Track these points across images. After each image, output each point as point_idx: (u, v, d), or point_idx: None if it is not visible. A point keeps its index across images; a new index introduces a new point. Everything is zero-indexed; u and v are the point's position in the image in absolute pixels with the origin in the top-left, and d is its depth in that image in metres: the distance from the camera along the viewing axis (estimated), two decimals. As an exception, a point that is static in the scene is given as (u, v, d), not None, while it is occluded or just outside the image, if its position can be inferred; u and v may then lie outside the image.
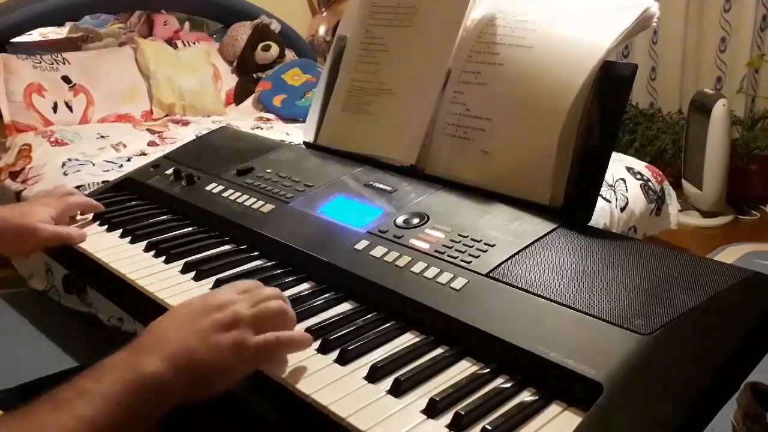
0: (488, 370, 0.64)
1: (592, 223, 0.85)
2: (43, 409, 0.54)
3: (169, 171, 1.15)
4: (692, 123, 3.15)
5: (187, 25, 3.62)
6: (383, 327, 0.72)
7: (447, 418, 0.58)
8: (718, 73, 3.49)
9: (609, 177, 2.28)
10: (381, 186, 0.96)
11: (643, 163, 2.58)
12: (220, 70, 3.35)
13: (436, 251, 0.79)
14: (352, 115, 1.11)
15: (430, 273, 0.76)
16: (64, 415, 0.54)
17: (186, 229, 1.00)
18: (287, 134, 2.69)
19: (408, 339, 0.71)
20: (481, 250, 0.78)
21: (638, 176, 2.43)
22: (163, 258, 0.90)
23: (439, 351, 0.68)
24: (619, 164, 2.42)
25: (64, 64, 2.93)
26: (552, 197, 0.86)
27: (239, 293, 0.68)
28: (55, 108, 2.83)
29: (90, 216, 1.05)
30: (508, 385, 0.62)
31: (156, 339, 0.61)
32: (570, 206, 0.86)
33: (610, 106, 0.86)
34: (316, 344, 0.69)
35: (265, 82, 3.27)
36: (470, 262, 0.76)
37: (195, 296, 0.68)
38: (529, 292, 0.71)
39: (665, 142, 3.46)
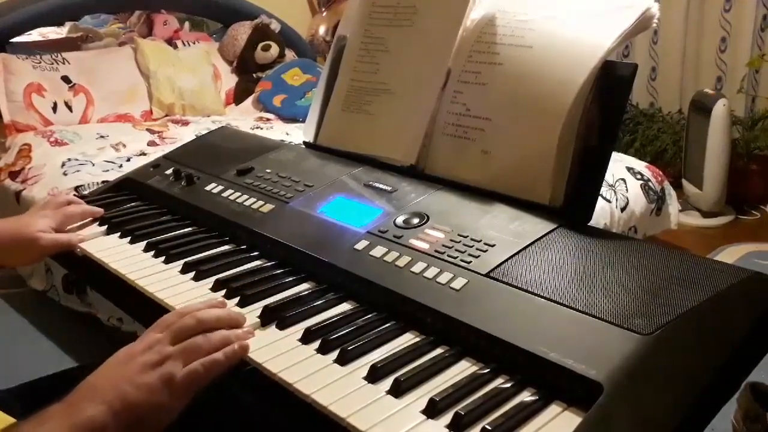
0: (488, 370, 0.64)
1: (592, 223, 0.85)
2: None
3: (169, 171, 1.15)
4: (692, 123, 3.14)
5: (186, 24, 3.62)
6: (383, 327, 0.72)
7: (447, 418, 0.58)
8: (718, 73, 3.49)
9: (609, 177, 2.28)
10: (381, 186, 0.96)
11: (644, 163, 2.58)
12: (220, 70, 3.35)
13: (435, 251, 0.79)
14: (352, 115, 1.11)
15: (430, 273, 0.76)
16: None
17: (186, 229, 1.00)
18: (287, 134, 2.69)
19: (408, 339, 0.71)
20: (481, 250, 0.78)
21: (638, 176, 2.43)
22: (163, 258, 0.90)
23: (438, 351, 0.68)
24: (619, 164, 2.42)
25: (63, 64, 2.93)
26: (552, 197, 0.86)
27: (162, 331, 0.68)
28: (54, 108, 2.83)
29: (89, 218, 1.05)
30: (508, 385, 0.62)
31: (90, 390, 0.63)
32: (570, 206, 0.85)
33: (610, 106, 0.86)
34: (316, 344, 0.69)
35: (265, 82, 3.27)
36: (470, 262, 0.76)
37: (121, 349, 0.68)
38: (529, 292, 0.71)
39: (665, 142, 3.46)
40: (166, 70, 3.08)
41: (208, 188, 1.06)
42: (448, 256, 0.78)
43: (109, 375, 0.64)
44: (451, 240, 0.81)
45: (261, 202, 0.98)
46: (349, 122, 1.11)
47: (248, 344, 0.69)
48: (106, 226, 1.02)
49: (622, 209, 2.28)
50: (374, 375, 0.64)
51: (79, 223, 1.03)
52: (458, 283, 0.74)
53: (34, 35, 3.45)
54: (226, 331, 0.69)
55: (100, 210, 1.05)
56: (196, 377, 0.65)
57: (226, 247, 0.94)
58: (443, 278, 0.75)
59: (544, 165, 0.87)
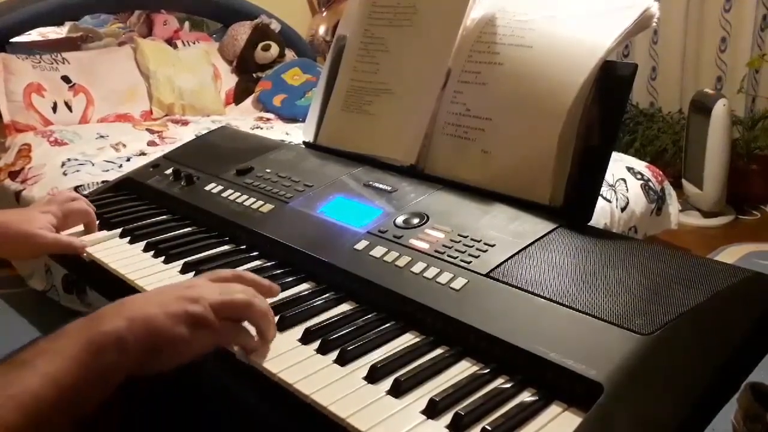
0: (488, 370, 0.64)
1: (592, 223, 0.85)
2: (4, 370, 0.55)
3: (169, 171, 1.15)
4: (692, 123, 3.14)
5: (186, 24, 3.62)
6: (383, 327, 0.72)
7: (447, 418, 0.58)
8: (718, 73, 3.49)
9: (609, 177, 2.28)
10: (381, 186, 0.96)
11: (644, 163, 2.57)
12: (219, 70, 3.35)
13: (435, 251, 0.79)
14: (352, 115, 1.11)
15: (430, 273, 0.76)
16: (27, 372, 0.54)
17: (185, 229, 1.00)
18: (287, 134, 2.69)
19: (408, 339, 0.71)
20: (480, 250, 0.78)
21: (639, 176, 2.43)
22: (163, 258, 0.90)
23: (438, 351, 0.68)
24: (619, 164, 2.42)
25: (63, 63, 2.93)
26: (552, 197, 0.86)
27: (214, 280, 0.69)
28: (54, 108, 2.83)
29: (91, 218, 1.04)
30: (508, 385, 0.62)
31: (118, 306, 0.63)
32: (570, 206, 0.85)
33: (610, 106, 0.86)
34: (316, 344, 0.69)
35: (265, 81, 3.27)
36: (470, 262, 0.76)
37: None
38: (529, 292, 0.70)
39: (665, 142, 3.46)
40: (166, 70, 3.08)
41: (207, 188, 1.06)
42: (448, 256, 0.78)
43: (142, 298, 0.65)
44: (451, 240, 0.81)
45: (261, 202, 0.98)
46: (349, 122, 1.11)
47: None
48: (106, 226, 1.02)
49: (622, 209, 2.28)
50: (374, 375, 0.64)
51: (81, 228, 1.02)
52: (458, 283, 0.73)
53: (34, 35, 3.45)
54: (269, 309, 0.70)
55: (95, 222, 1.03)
56: (226, 330, 0.65)
57: (225, 247, 0.94)
58: (443, 278, 0.75)
59: (544, 165, 0.87)
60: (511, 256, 0.76)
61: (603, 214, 2.16)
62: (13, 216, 0.96)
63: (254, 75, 3.35)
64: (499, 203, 0.88)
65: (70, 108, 2.86)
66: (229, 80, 3.38)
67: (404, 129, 1.03)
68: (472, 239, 0.80)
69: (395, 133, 1.04)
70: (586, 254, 0.76)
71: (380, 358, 0.66)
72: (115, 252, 0.94)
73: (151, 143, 2.57)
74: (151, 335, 0.60)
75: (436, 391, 0.61)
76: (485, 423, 0.57)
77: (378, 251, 0.82)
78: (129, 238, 0.97)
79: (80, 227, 1.02)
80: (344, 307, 0.78)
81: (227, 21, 3.54)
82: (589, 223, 0.85)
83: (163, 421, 0.68)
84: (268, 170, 1.07)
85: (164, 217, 1.05)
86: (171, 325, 0.61)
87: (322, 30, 3.98)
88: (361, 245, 0.83)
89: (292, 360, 0.67)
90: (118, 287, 0.88)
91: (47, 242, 0.94)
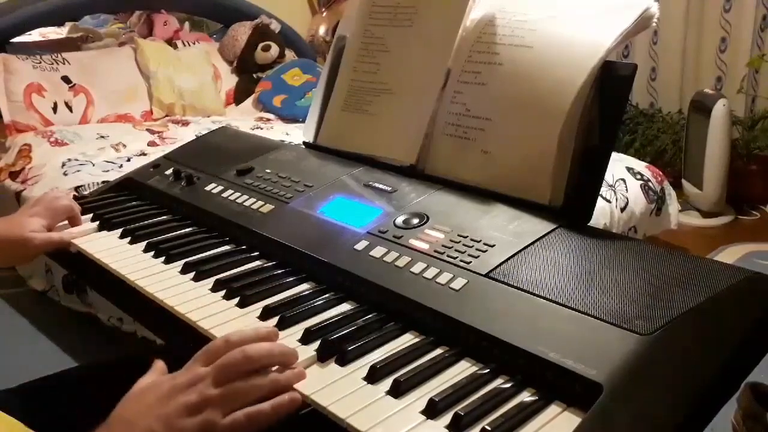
0: (488, 370, 0.64)
1: (592, 223, 0.85)
2: None
3: (169, 171, 1.15)
4: (692, 123, 3.14)
5: (187, 25, 3.62)
6: (383, 327, 0.72)
7: (446, 418, 0.58)
8: (718, 73, 3.49)
9: (609, 177, 2.28)
10: (381, 186, 0.96)
11: (643, 163, 2.58)
12: (220, 70, 3.35)
13: (435, 251, 0.79)
14: (352, 115, 1.11)
15: (430, 273, 0.76)
16: None
17: (186, 230, 1.00)
18: (287, 134, 2.69)
19: (407, 339, 0.71)
20: (480, 251, 0.78)
21: (638, 176, 2.43)
22: (163, 258, 0.90)
23: (438, 351, 0.68)
24: (619, 164, 2.42)
25: (64, 64, 2.93)
26: (552, 197, 0.86)
27: (207, 363, 0.63)
28: (54, 108, 2.83)
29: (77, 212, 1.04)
30: (508, 385, 0.62)
31: (122, 427, 0.59)
32: (570, 206, 0.85)
33: (610, 106, 0.86)
34: (316, 344, 0.69)
35: (265, 82, 3.28)
36: (470, 262, 0.76)
37: (164, 377, 0.64)
38: (529, 293, 0.71)
39: (665, 142, 3.46)
40: (166, 70, 3.08)
41: (208, 188, 1.06)
42: (448, 256, 0.78)
43: (146, 411, 0.60)
44: (451, 240, 0.81)
45: (261, 203, 0.98)
46: (349, 122, 1.11)
47: (299, 397, 0.62)
48: (97, 222, 1.02)
49: (622, 209, 2.28)
50: (374, 375, 0.64)
51: (74, 227, 1.02)
52: (458, 284, 0.74)
53: (34, 35, 3.45)
54: (276, 375, 0.63)
55: (79, 217, 1.04)
56: (238, 429, 0.60)
57: (226, 248, 0.94)
58: (443, 278, 0.75)
59: (544, 165, 0.87)
60: (511, 257, 0.76)
61: (603, 214, 2.16)
62: (4, 224, 0.96)
63: (254, 75, 3.35)
64: (499, 203, 0.88)
65: (70, 108, 2.86)
66: (229, 80, 3.38)
67: (404, 129, 1.03)
68: (471, 239, 0.80)
69: (395, 133, 1.04)
70: (585, 254, 0.76)
71: (380, 359, 0.66)
72: (116, 252, 0.94)
73: (151, 143, 2.57)
74: None
75: (436, 391, 0.61)
76: (485, 423, 0.57)
77: (378, 251, 0.82)
78: (129, 238, 0.97)
79: (65, 222, 1.02)
80: (344, 308, 0.78)
81: (227, 21, 3.54)
82: (588, 223, 0.85)
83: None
84: (268, 170, 1.07)
85: (165, 217, 1.05)
86: None
87: (322, 30, 3.98)
88: (361, 245, 0.84)
89: (292, 360, 0.67)
90: (118, 287, 0.88)
91: (39, 243, 0.95)
